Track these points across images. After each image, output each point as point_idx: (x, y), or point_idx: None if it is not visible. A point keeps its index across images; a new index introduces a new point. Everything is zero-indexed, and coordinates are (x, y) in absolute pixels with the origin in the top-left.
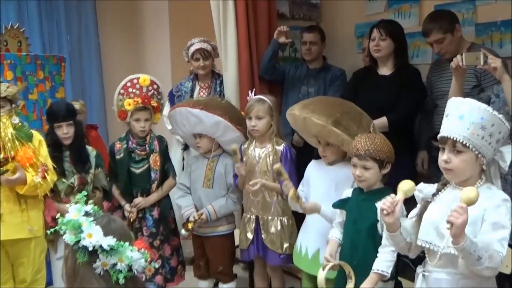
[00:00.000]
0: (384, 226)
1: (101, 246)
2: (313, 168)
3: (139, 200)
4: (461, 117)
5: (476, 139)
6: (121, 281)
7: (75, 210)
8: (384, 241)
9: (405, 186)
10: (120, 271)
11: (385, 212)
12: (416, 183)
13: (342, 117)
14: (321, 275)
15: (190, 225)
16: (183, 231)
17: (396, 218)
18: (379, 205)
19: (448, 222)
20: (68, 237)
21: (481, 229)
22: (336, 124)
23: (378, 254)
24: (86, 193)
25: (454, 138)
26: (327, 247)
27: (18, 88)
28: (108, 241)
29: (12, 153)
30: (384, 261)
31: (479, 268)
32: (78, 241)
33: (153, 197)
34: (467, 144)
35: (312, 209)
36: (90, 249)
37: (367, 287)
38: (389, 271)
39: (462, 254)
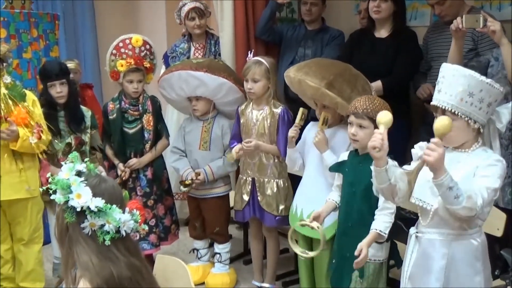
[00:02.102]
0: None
1: (88, 207)
2: (310, 130)
3: (133, 162)
4: (449, 85)
5: (465, 106)
6: (107, 242)
7: (67, 169)
8: (381, 204)
9: (385, 117)
10: (108, 232)
11: (377, 149)
12: (410, 146)
13: (336, 80)
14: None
15: (188, 182)
16: (181, 187)
17: (384, 151)
18: (373, 168)
19: (424, 161)
20: (57, 197)
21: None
22: (329, 86)
23: (375, 216)
24: (77, 153)
25: (443, 107)
26: (323, 207)
27: (9, 47)
28: (96, 203)
29: (5, 112)
30: (382, 222)
31: (456, 207)
32: (66, 201)
33: (147, 157)
34: (456, 112)
35: (321, 141)
36: (78, 209)
37: (367, 241)
38: (387, 232)
39: (441, 189)
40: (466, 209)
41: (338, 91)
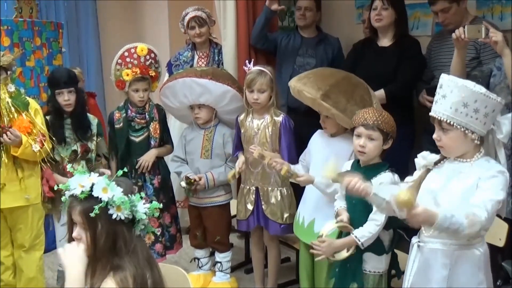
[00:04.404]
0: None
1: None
2: (316, 138)
3: (142, 163)
4: (444, 96)
5: (460, 117)
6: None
7: (107, 186)
8: (371, 215)
9: (330, 170)
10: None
11: (363, 194)
12: (413, 155)
13: (332, 90)
14: (328, 226)
15: (191, 180)
16: (183, 183)
17: (362, 184)
18: (374, 181)
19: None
20: (121, 214)
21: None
22: (324, 97)
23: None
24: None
25: (439, 118)
26: (342, 215)
27: (14, 56)
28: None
29: (8, 121)
30: (364, 230)
31: (460, 235)
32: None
33: (156, 150)
34: (451, 123)
35: (306, 181)
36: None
37: (338, 243)
38: (363, 241)
39: (440, 230)
40: (470, 233)
41: (334, 102)
